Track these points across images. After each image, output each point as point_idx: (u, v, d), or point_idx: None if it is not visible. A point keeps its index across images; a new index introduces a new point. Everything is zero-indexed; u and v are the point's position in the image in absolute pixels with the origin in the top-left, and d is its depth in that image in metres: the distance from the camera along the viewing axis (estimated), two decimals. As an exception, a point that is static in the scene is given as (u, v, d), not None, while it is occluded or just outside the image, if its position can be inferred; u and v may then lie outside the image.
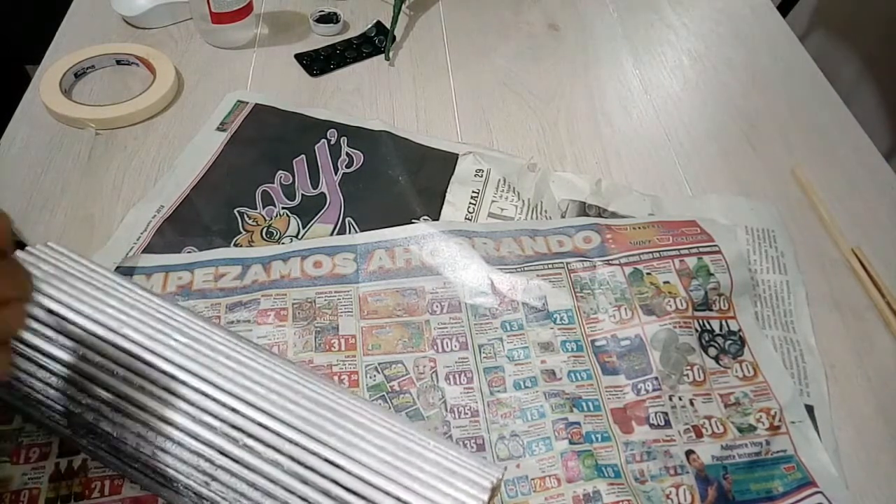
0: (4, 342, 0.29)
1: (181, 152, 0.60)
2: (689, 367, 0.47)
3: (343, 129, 0.63)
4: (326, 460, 0.34)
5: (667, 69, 0.74)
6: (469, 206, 0.57)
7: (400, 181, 0.59)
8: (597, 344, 0.48)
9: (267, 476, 0.34)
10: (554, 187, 0.59)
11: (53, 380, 0.37)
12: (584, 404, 0.45)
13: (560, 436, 0.43)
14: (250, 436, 0.34)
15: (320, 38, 0.74)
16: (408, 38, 0.76)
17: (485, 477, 0.34)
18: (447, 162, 0.61)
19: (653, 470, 0.43)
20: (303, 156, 0.61)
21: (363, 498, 0.33)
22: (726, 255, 0.52)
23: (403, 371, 0.46)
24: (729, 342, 0.49)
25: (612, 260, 0.52)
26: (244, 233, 0.54)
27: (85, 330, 0.37)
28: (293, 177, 0.59)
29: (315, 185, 0.59)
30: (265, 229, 0.55)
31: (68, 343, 0.37)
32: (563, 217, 0.57)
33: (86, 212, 0.55)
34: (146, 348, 0.37)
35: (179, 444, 0.35)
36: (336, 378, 0.45)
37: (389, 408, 0.44)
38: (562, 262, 0.52)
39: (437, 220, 0.56)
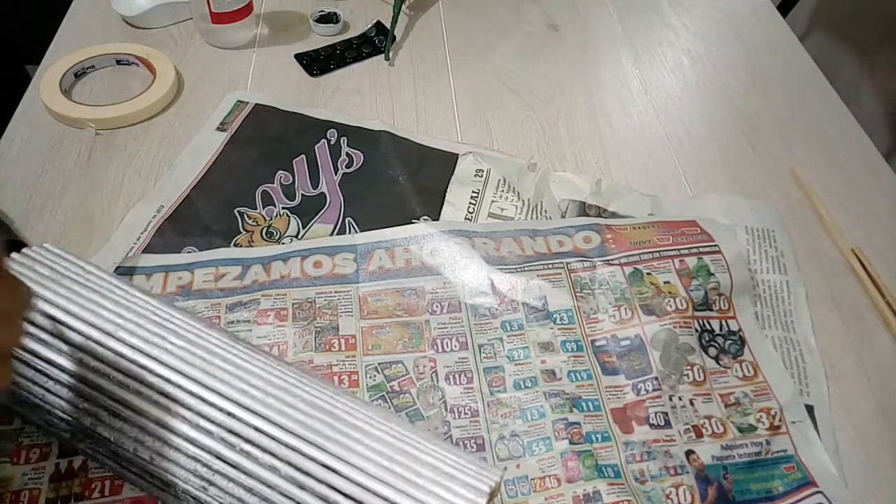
0: (4, 356, 0.29)
1: (181, 152, 0.60)
2: (689, 367, 0.47)
3: (343, 129, 0.63)
4: (324, 465, 0.33)
5: (667, 69, 0.74)
6: (469, 206, 0.57)
7: (400, 181, 0.59)
8: (597, 344, 0.48)
9: (264, 481, 0.34)
10: (554, 187, 0.59)
11: (50, 384, 0.37)
12: (584, 404, 0.45)
13: (560, 436, 0.43)
14: (247, 440, 0.34)
15: (320, 38, 0.74)
16: (408, 38, 0.76)
17: (483, 481, 0.34)
18: (447, 162, 0.61)
19: (653, 470, 0.43)
20: (303, 156, 0.61)
21: (360, 503, 0.33)
22: (726, 255, 0.52)
23: (403, 371, 0.46)
24: (729, 342, 0.49)
25: (612, 260, 0.52)
26: (244, 233, 0.54)
27: (81, 334, 0.37)
28: (293, 177, 0.59)
29: (315, 185, 0.59)
30: (265, 229, 0.55)
31: (64, 347, 0.37)
32: (563, 217, 0.57)
33: (86, 212, 0.55)
34: (142, 352, 0.36)
35: (177, 448, 0.35)
36: (336, 378, 0.45)
37: (389, 408, 0.44)
38: (562, 262, 0.52)
39: (437, 220, 0.56)
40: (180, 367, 0.36)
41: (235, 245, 0.53)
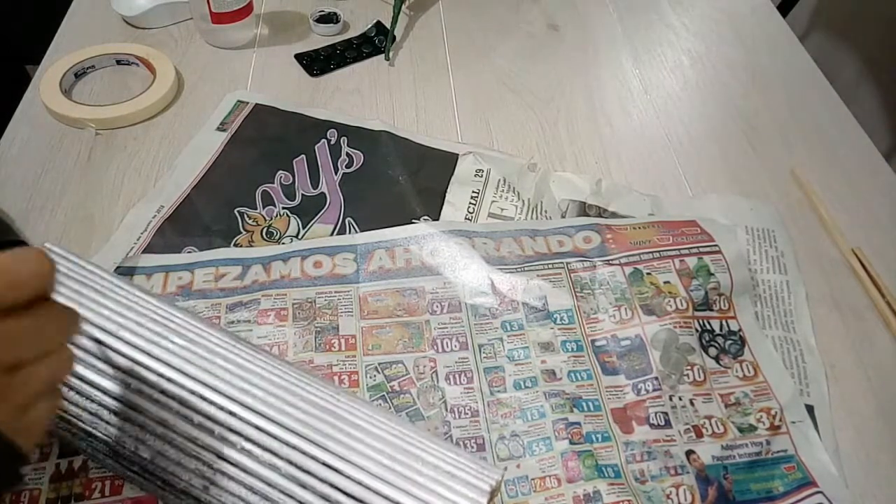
0: (53, 389, 0.29)
1: (181, 152, 0.60)
2: (689, 367, 0.47)
3: (343, 129, 0.63)
4: (325, 464, 0.33)
5: (667, 69, 0.74)
6: (469, 207, 0.57)
7: (400, 181, 0.59)
8: (597, 344, 0.48)
9: (265, 480, 0.34)
10: (554, 187, 0.59)
11: None
12: (584, 404, 0.45)
13: (560, 436, 0.43)
14: (248, 439, 0.34)
15: (320, 38, 0.74)
16: (408, 38, 0.76)
17: (484, 480, 0.34)
18: (447, 162, 0.61)
19: (653, 470, 0.43)
20: (303, 156, 0.61)
21: (361, 502, 0.33)
22: (726, 254, 0.52)
23: (403, 371, 0.46)
24: (729, 342, 0.49)
25: (612, 260, 0.52)
26: (244, 233, 0.54)
27: (83, 333, 0.37)
28: (293, 177, 0.59)
29: (315, 185, 0.59)
30: (265, 229, 0.55)
31: None
32: (563, 217, 0.57)
33: (86, 212, 0.55)
34: (144, 351, 0.36)
35: (178, 447, 0.35)
36: (336, 378, 0.45)
37: (389, 408, 0.44)
38: (562, 262, 0.52)
39: (437, 220, 0.56)
40: (181, 366, 0.36)
41: (235, 245, 0.53)
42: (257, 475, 0.34)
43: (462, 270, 0.51)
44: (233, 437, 0.34)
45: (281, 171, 0.59)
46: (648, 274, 0.51)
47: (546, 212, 0.57)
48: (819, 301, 0.54)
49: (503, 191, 0.59)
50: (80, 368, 0.36)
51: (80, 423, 0.37)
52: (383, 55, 0.73)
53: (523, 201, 0.58)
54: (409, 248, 0.52)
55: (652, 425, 0.45)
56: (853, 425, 0.47)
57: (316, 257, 0.52)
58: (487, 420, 0.44)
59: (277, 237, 0.54)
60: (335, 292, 0.50)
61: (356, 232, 0.55)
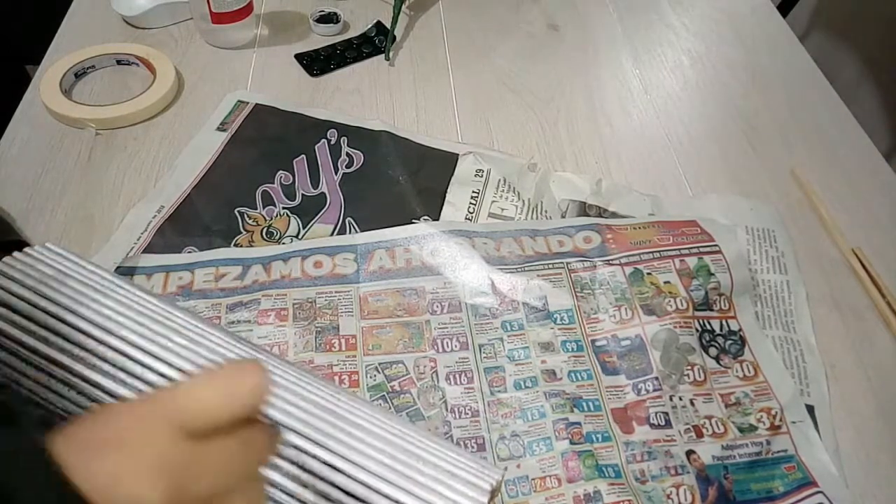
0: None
1: (181, 152, 0.60)
2: (689, 367, 0.47)
3: (343, 129, 0.63)
4: (325, 463, 0.33)
5: (667, 69, 0.74)
6: (469, 207, 0.57)
7: (400, 181, 0.59)
8: (597, 344, 0.48)
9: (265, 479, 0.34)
10: (554, 187, 0.59)
11: (52, 383, 0.37)
12: (584, 404, 0.45)
13: (560, 436, 0.43)
14: None
15: (320, 38, 0.74)
16: (408, 38, 0.76)
17: (484, 479, 0.34)
18: (447, 162, 0.61)
19: (653, 470, 0.43)
20: (303, 156, 0.61)
21: (362, 501, 0.33)
22: (726, 254, 0.52)
23: (404, 371, 0.46)
24: (729, 342, 0.49)
25: (612, 260, 0.52)
26: (244, 233, 0.54)
27: (83, 332, 0.37)
28: (293, 177, 0.59)
29: (315, 185, 0.59)
30: (265, 229, 0.55)
31: (66, 345, 0.37)
32: (563, 217, 0.57)
33: (86, 212, 0.55)
34: (145, 350, 0.36)
35: None
36: (336, 378, 0.45)
37: (390, 408, 0.44)
38: (562, 262, 0.52)
39: (438, 220, 0.56)
40: (182, 366, 0.36)
41: (236, 245, 0.53)
42: None
43: (462, 270, 0.51)
44: None
45: (281, 171, 0.59)
46: (649, 274, 0.51)
47: (546, 212, 0.57)
48: (819, 301, 0.54)
49: (503, 191, 0.59)
50: (79, 367, 0.36)
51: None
52: (383, 55, 0.73)
53: (523, 201, 0.58)
54: (410, 248, 0.52)
55: (652, 425, 0.45)
56: (853, 425, 0.47)
57: (316, 257, 0.52)
58: (488, 420, 0.44)
59: (277, 237, 0.54)
60: (335, 292, 0.50)
61: (356, 232, 0.55)
